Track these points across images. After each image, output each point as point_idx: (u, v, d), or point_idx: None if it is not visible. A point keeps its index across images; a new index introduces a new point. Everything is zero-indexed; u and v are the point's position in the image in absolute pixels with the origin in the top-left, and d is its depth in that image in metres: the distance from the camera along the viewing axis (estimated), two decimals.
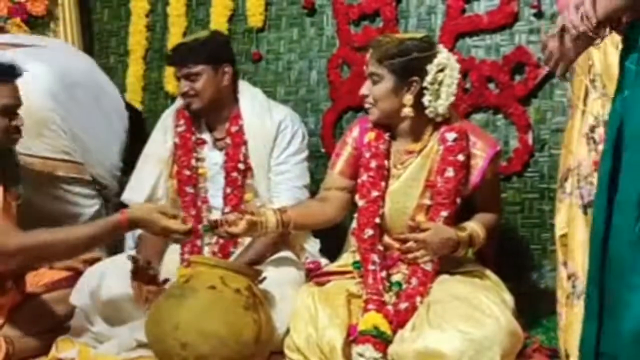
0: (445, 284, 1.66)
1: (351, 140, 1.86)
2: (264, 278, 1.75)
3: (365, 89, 1.75)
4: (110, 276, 1.82)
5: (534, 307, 2.07)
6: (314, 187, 2.09)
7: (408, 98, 1.70)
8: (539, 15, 2.22)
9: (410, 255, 1.68)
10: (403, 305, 1.64)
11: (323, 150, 2.45)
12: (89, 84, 2.40)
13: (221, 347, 1.54)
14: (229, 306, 1.59)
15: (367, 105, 1.77)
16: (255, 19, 2.58)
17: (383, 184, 1.76)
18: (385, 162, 1.77)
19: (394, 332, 1.60)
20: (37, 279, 1.89)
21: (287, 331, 1.68)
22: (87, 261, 1.96)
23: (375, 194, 1.75)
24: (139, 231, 1.94)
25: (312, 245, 2.05)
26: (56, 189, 2.23)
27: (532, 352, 1.73)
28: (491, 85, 2.27)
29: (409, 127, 1.76)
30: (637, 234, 1.06)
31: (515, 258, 2.28)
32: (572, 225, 1.62)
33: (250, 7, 2.58)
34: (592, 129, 1.60)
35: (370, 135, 1.80)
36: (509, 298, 1.67)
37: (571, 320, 1.60)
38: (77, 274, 1.91)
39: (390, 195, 1.77)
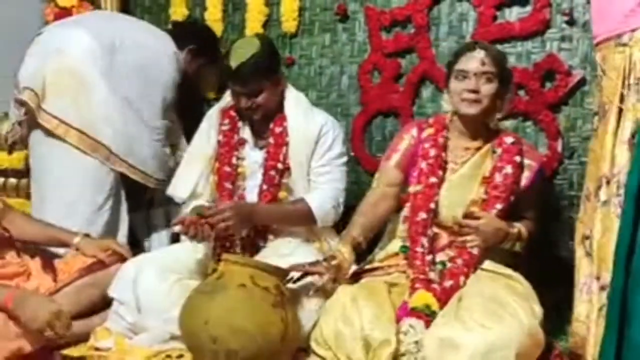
0: (479, 282, 1.72)
1: (409, 136, 1.96)
2: (292, 278, 1.80)
3: (476, 85, 1.83)
4: (147, 269, 1.89)
5: (560, 314, 2.07)
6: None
7: (500, 103, 1.86)
8: (571, 22, 2.21)
9: (460, 239, 1.77)
10: (448, 284, 1.72)
11: (352, 154, 2.49)
12: (131, 48, 2.36)
13: (249, 343, 1.59)
14: (257, 304, 1.64)
15: (472, 99, 1.83)
16: (289, 24, 2.64)
17: (440, 172, 1.85)
18: (443, 153, 1.88)
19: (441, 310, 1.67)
20: (68, 267, 1.96)
21: (313, 328, 1.72)
22: (115, 254, 2.01)
23: (433, 179, 1.85)
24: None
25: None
26: (67, 159, 2.26)
27: (553, 358, 1.73)
28: (521, 92, 2.28)
29: (473, 127, 1.88)
30: None
31: (544, 266, 2.28)
32: (607, 235, 1.56)
33: (284, 13, 2.64)
34: (634, 135, 1.56)
35: (429, 130, 1.92)
36: (538, 309, 1.68)
37: (601, 331, 1.57)
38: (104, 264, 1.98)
39: (447, 189, 1.85)
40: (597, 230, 1.63)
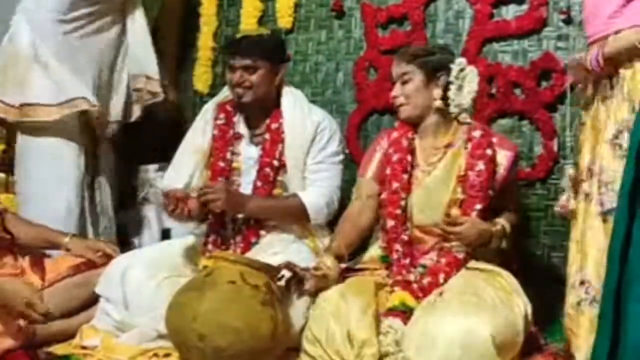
0: (461, 277, 1.70)
1: (379, 148, 1.94)
2: (283, 276, 1.77)
3: (396, 90, 1.85)
4: (136, 266, 1.87)
5: (555, 313, 2.06)
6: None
7: (437, 92, 1.82)
8: (568, 21, 2.21)
9: (446, 245, 1.75)
10: (426, 280, 1.72)
11: (347, 151, 2.47)
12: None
13: (238, 341, 1.57)
14: (247, 301, 1.62)
15: (398, 104, 1.85)
16: (284, 20, 2.62)
17: (405, 176, 1.83)
18: (408, 156, 1.85)
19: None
20: (57, 266, 1.94)
21: (303, 328, 1.70)
22: (105, 256, 1.98)
23: (395, 185, 1.83)
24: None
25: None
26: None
27: (546, 357, 1.72)
28: (517, 91, 2.26)
29: (435, 125, 1.85)
30: None
31: (538, 265, 2.26)
32: (588, 232, 1.61)
33: (279, 9, 2.63)
34: (617, 134, 1.59)
35: (395, 134, 1.90)
36: (522, 302, 1.66)
37: (580, 325, 1.60)
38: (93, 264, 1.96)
39: (422, 191, 1.82)
40: (580, 220, 1.67)
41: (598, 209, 1.59)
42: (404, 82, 1.83)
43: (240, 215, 2.06)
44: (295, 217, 2.05)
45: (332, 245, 1.86)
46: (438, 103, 1.82)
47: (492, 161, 1.78)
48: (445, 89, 1.82)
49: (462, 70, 1.82)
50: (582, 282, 1.62)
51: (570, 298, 1.67)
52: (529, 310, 1.66)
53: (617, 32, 1.60)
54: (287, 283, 1.75)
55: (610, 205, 1.55)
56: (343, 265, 1.85)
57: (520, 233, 2.23)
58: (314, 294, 1.73)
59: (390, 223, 1.81)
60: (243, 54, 2.01)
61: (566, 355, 1.71)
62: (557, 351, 1.78)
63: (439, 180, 1.81)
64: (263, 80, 2.03)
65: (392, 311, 1.65)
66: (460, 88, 1.81)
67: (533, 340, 1.73)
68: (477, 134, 1.80)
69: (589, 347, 1.52)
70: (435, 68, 1.82)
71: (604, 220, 1.57)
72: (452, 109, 1.82)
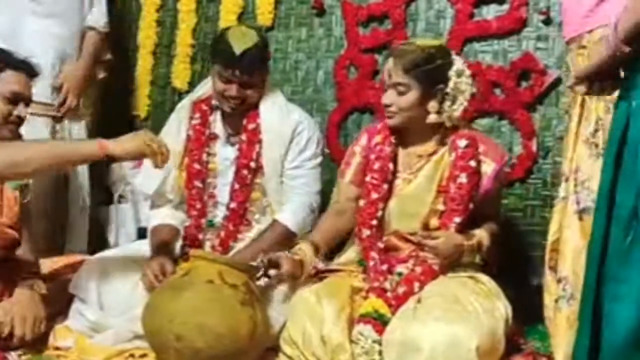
0: (439, 284, 1.68)
1: (359, 149, 1.88)
2: (262, 275, 1.75)
3: (388, 99, 1.75)
4: (111, 266, 1.83)
5: (534, 313, 2.07)
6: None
7: (433, 105, 1.73)
8: (547, 22, 2.22)
9: (421, 253, 1.72)
10: (401, 289, 1.67)
11: (327, 151, 2.45)
12: None
13: (216, 342, 1.54)
14: (225, 301, 1.59)
15: (389, 113, 1.78)
16: (264, 17, 2.60)
17: (385, 186, 1.78)
18: (390, 165, 1.79)
19: (394, 315, 1.63)
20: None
21: (282, 328, 1.68)
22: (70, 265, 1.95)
23: (374, 196, 1.78)
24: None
25: None
26: None
27: (525, 356, 1.73)
28: (497, 91, 2.27)
29: (420, 132, 1.78)
30: (627, 244, 1.06)
31: (517, 265, 2.27)
32: (565, 230, 1.63)
33: (259, 6, 2.60)
34: (594, 133, 1.61)
35: (377, 139, 1.83)
36: (502, 306, 1.66)
37: (557, 323, 1.62)
38: (73, 265, 1.91)
39: (402, 199, 1.79)
40: (554, 222, 1.68)
41: (574, 207, 1.61)
42: (399, 93, 1.73)
43: (217, 219, 2.02)
44: (286, 242, 1.95)
45: (309, 237, 1.83)
46: (433, 117, 1.73)
47: (476, 172, 1.72)
48: (441, 99, 1.74)
49: (459, 75, 1.74)
50: (559, 280, 1.64)
51: (547, 297, 1.69)
52: (510, 313, 1.66)
53: (590, 32, 1.61)
54: (264, 272, 1.72)
55: (585, 204, 1.57)
56: (320, 265, 1.82)
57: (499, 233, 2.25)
58: (291, 280, 1.70)
59: (366, 232, 1.77)
60: (244, 71, 1.91)
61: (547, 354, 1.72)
62: (537, 350, 1.79)
63: (419, 189, 1.77)
64: (258, 91, 1.99)
65: (364, 317, 1.62)
66: (454, 99, 1.74)
67: (512, 340, 1.73)
68: (462, 143, 1.73)
69: (567, 344, 1.53)
70: (435, 81, 1.72)
71: (580, 219, 1.58)
72: (444, 119, 1.75)
